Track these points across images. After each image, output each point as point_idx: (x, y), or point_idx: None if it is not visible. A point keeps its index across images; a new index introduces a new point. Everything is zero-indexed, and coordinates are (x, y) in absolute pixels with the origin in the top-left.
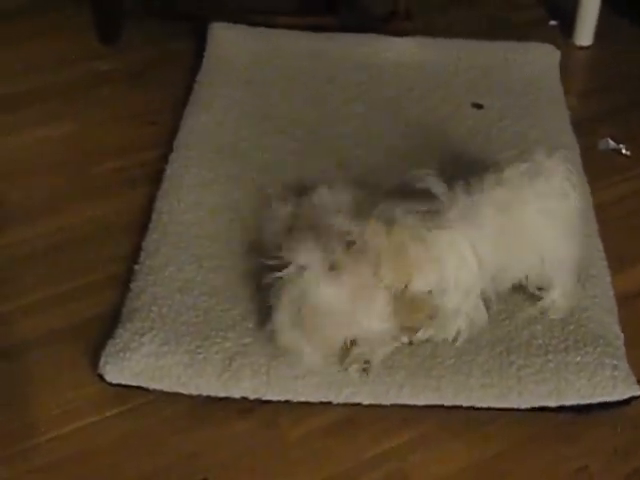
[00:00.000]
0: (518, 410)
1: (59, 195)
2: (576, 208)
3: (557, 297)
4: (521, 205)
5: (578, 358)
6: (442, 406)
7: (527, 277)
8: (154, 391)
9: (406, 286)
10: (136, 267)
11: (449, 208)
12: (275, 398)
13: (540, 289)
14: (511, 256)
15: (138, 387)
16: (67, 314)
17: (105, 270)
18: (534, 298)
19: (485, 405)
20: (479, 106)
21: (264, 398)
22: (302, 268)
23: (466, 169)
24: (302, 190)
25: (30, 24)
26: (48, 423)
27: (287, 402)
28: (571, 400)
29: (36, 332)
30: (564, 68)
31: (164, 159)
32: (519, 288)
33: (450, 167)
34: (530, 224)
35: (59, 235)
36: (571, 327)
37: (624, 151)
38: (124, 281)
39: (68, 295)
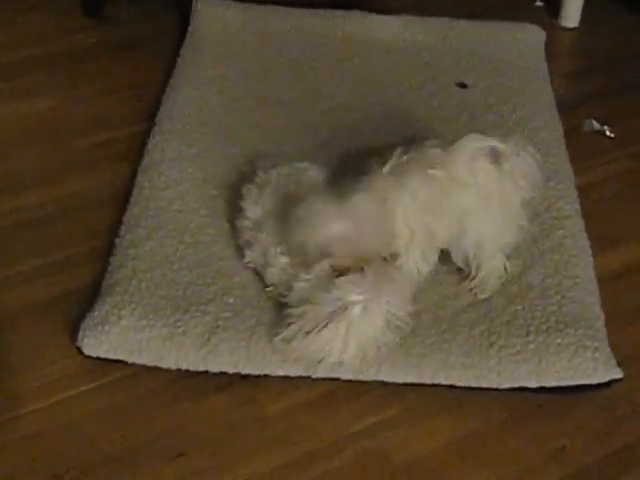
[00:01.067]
0: (498, 390)
1: (41, 169)
2: (517, 197)
3: (480, 278)
4: (448, 174)
5: (559, 340)
6: (423, 384)
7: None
8: (133, 365)
9: None
10: (116, 241)
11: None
12: (254, 372)
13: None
14: (436, 221)
15: (117, 361)
16: (48, 287)
17: (86, 243)
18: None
19: (465, 384)
20: (463, 85)
21: (243, 372)
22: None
23: (451, 142)
24: (284, 166)
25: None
26: (27, 396)
27: (266, 377)
28: (551, 381)
29: (16, 305)
30: (549, 49)
31: (147, 133)
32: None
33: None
34: (458, 195)
35: (41, 209)
36: (553, 308)
37: (608, 133)
38: (105, 255)
39: (49, 268)
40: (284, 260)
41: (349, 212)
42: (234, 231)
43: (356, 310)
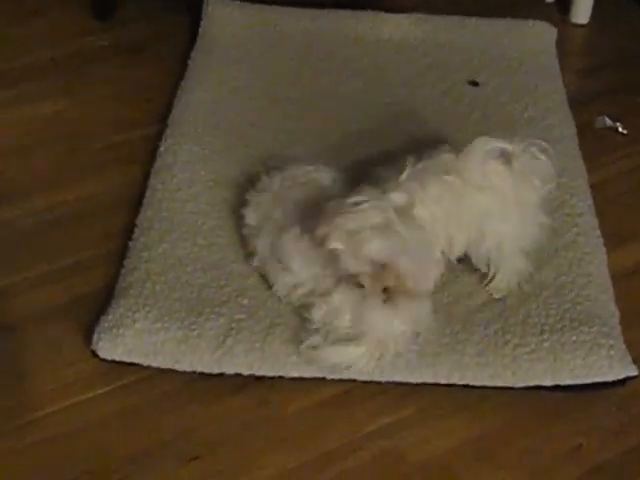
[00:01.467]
0: (513, 389)
1: (54, 172)
2: (536, 196)
3: (499, 279)
4: (462, 179)
5: (574, 337)
6: (438, 384)
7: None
8: (148, 367)
9: None
10: (130, 244)
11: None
12: (269, 374)
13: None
14: (456, 227)
15: (132, 364)
16: (62, 291)
17: (100, 246)
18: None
19: (480, 384)
20: (475, 83)
21: (258, 374)
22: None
23: (461, 146)
24: (289, 169)
25: (25, 2)
26: (43, 399)
27: (281, 378)
28: (566, 380)
29: (31, 309)
30: (561, 46)
31: (159, 136)
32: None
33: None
34: (474, 199)
35: (54, 212)
36: (567, 306)
37: (620, 129)
38: (119, 258)
39: (63, 272)
40: (288, 280)
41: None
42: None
43: (379, 330)
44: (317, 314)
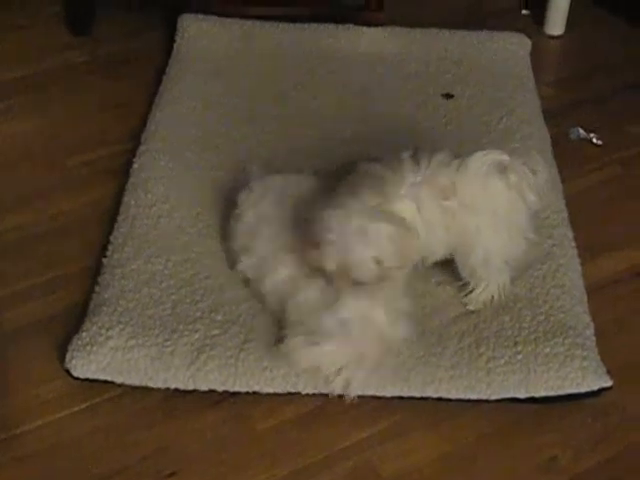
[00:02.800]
0: (488, 401)
1: (31, 188)
2: (523, 210)
3: (479, 291)
4: (461, 191)
5: (547, 349)
6: (412, 397)
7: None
8: (122, 385)
9: None
10: (104, 260)
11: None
12: (243, 390)
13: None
14: (443, 239)
15: (106, 381)
16: (37, 307)
17: (77, 263)
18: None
19: (454, 397)
20: (450, 96)
21: (232, 390)
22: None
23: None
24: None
25: (2, 18)
26: (18, 417)
27: (256, 393)
28: (540, 391)
29: (7, 325)
30: (536, 57)
31: (134, 151)
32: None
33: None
34: (469, 218)
35: (29, 228)
36: (541, 318)
37: (595, 140)
38: (94, 274)
39: (40, 288)
40: (285, 272)
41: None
42: (230, 234)
43: (357, 327)
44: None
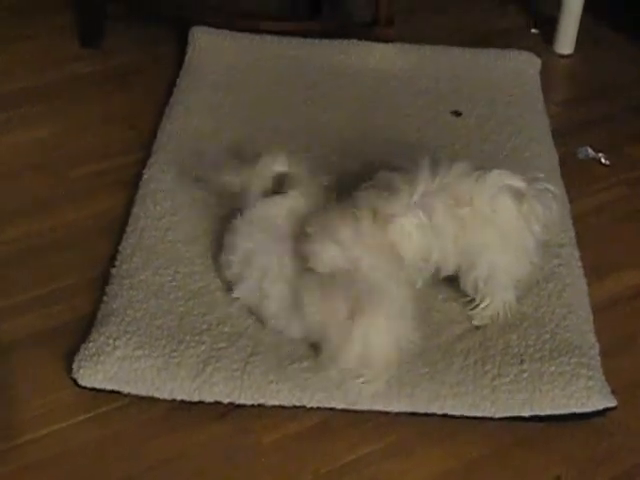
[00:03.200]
0: (492, 419)
1: (38, 198)
2: (531, 236)
3: (483, 306)
4: (473, 209)
5: (553, 368)
6: (417, 413)
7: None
8: (128, 395)
9: None
10: (112, 271)
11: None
12: (249, 402)
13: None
14: (451, 251)
15: (112, 391)
16: (44, 317)
17: (83, 273)
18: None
19: (459, 413)
20: (458, 113)
21: (238, 402)
22: None
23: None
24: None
25: (11, 27)
26: (24, 426)
27: (261, 406)
28: (545, 410)
29: (12, 336)
30: (545, 76)
31: (143, 163)
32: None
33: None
34: (478, 230)
35: (38, 238)
36: (547, 336)
37: (603, 160)
38: (101, 285)
39: (45, 298)
40: (281, 288)
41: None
42: (220, 266)
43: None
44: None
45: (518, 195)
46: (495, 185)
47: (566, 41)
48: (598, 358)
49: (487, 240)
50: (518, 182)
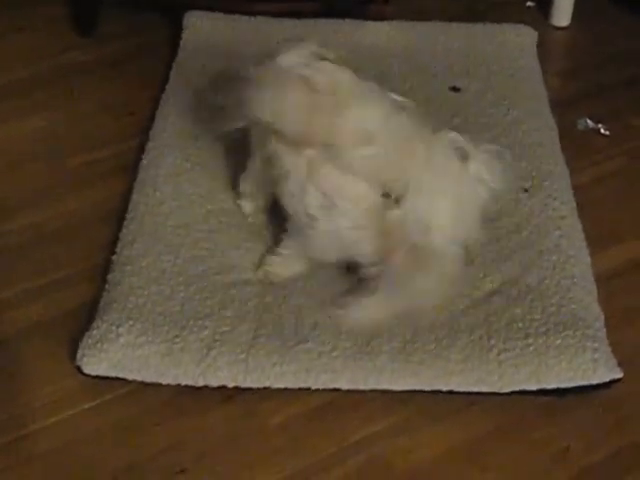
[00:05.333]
0: (499, 394)
1: (37, 187)
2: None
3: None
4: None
5: (558, 341)
6: (422, 391)
7: None
8: (132, 382)
9: None
10: (113, 258)
11: None
12: (254, 385)
13: None
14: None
15: (117, 378)
16: (46, 307)
17: (84, 262)
18: None
19: (465, 390)
20: (456, 89)
21: (243, 386)
22: None
23: None
24: None
25: (5, 19)
26: (28, 416)
27: (266, 389)
28: (552, 384)
29: (16, 325)
30: (542, 49)
31: (142, 149)
32: None
33: None
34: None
35: (37, 228)
36: (552, 309)
37: (603, 131)
38: (102, 272)
39: (47, 287)
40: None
41: None
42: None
43: None
44: None
45: (464, 155)
46: (444, 141)
47: (562, 13)
48: (604, 330)
49: (430, 185)
50: (464, 143)
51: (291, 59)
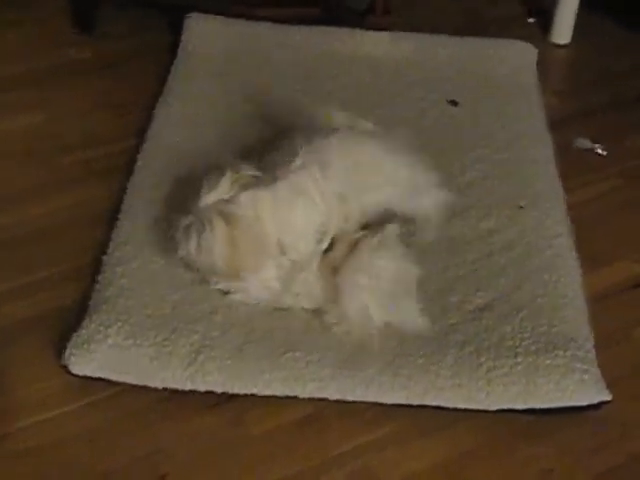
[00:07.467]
0: (486, 411)
1: (29, 185)
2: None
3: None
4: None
5: (548, 361)
6: (411, 405)
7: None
8: (119, 384)
9: None
10: (104, 258)
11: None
12: (241, 392)
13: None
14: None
15: (103, 379)
16: (35, 305)
17: (74, 261)
18: None
19: (453, 405)
20: (454, 103)
21: (230, 392)
22: None
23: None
24: None
25: (2, 13)
26: (13, 414)
27: (253, 396)
28: (539, 403)
29: (4, 323)
30: (541, 66)
31: (136, 149)
32: None
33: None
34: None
35: (28, 225)
36: (542, 329)
37: (599, 150)
38: (92, 272)
39: (37, 286)
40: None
41: None
42: None
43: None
44: None
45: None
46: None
47: (563, 31)
48: (593, 351)
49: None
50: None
51: (212, 198)
